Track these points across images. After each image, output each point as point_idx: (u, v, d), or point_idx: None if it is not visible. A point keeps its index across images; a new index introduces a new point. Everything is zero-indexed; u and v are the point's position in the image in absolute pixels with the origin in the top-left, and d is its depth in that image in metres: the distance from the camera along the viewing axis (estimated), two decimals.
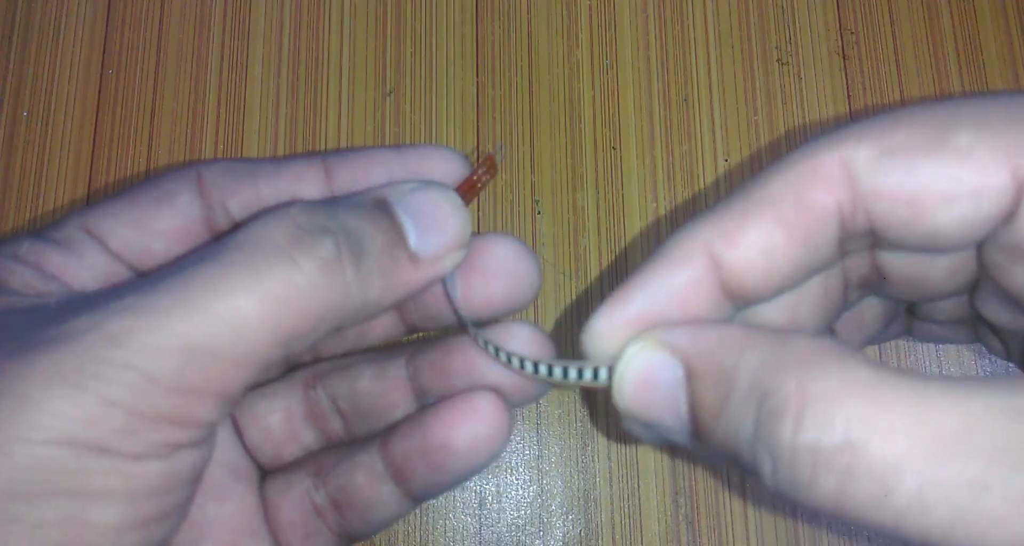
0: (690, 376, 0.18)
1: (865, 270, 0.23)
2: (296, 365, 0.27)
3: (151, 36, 0.44)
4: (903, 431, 0.15)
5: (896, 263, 0.22)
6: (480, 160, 0.23)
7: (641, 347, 0.20)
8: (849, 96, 0.43)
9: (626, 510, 0.38)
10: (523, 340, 0.24)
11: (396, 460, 0.23)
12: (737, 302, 0.21)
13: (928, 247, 0.20)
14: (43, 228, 0.23)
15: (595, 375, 0.21)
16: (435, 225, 0.21)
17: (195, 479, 0.20)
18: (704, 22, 0.44)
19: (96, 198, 0.43)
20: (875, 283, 0.23)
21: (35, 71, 0.44)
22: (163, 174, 0.24)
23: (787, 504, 0.21)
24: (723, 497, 0.38)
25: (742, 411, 0.17)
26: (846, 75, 0.43)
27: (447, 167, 0.23)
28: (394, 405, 0.25)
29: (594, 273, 0.41)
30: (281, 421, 0.25)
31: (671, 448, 0.39)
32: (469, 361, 0.23)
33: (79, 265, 0.22)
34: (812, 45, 0.44)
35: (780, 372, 0.17)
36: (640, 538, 0.38)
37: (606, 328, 0.21)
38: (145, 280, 0.19)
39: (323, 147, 0.43)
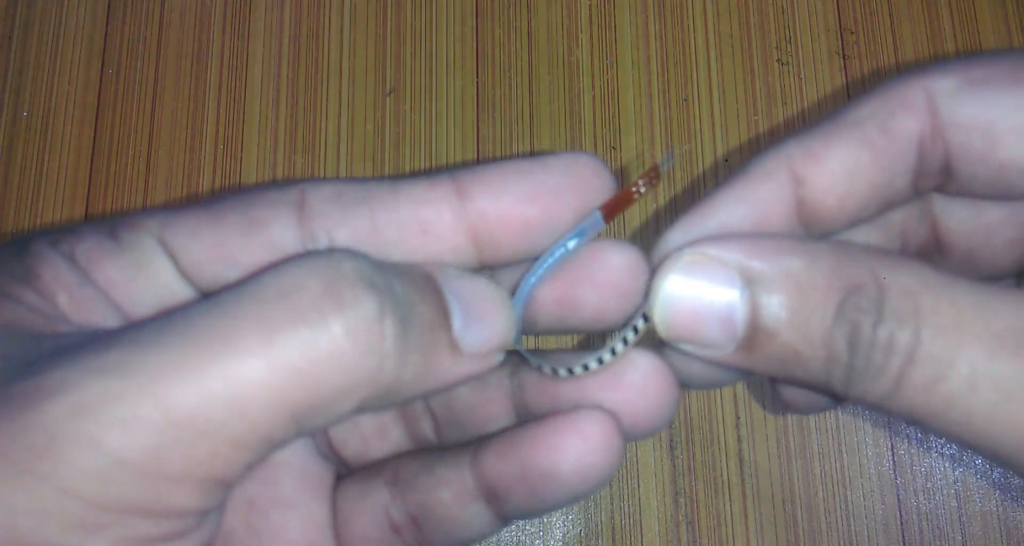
0: (751, 282, 0.19)
1: (923, 237, 0.23)
2: None
3: (151, 36, 0.44)
4: (961, 326, 0.17)
5: (957, 226, 0.22)
6: (646, 171, 0.21)
7: (688, 259, 0.19)
8: (849, 96, 0.43)
9: (626, 510, 0.38)
10: (642, 370, 0.21)
11: (490, 479, 0.20)
12: (812, 227, 0.21)
13: (998, 187, 0.20)
14: (115, 221, 0.20)
15: (640, 325, 0.20)
16: (481, 317, 0.19)
17: None
18: (704, 22, 0.44)
19: (95, 198, 0.43)
20: (932, 256, 0.23)
21: (35, 71, 0.44)
22: (260, 191, 0.20)
23: (850, 405, 0.20)
24: (723, 497, 0.38)
25: (816, 309, 0.18)
26: (846, 75, 0.43)
27: (594, 178, 0.20)
28: (491, 417, 0.22)
29: None
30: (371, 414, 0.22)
31: (671, 449, 0.39)
32: (580, 384, 0.21)
33: (138, 279, 0.19)
34: (812, 45, 0.44)
35: (860, 271, 0.18)
36: (640, 538, 0.38)
37: (682, 242, 0.20)
38: (142, 327, 0.16)
39: (323, 147, 0.43)
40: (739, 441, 0.39)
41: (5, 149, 0.43)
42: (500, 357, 0.19)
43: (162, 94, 0.44)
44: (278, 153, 0.43)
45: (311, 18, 0.45)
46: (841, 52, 0.44)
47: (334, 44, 0.44)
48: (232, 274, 0.19)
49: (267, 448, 0.16)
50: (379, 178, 0.20)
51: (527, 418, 0.22)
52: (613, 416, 0.20)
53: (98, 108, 0.44)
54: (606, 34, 0.44)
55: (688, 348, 0.20)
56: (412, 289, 0.17)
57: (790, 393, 0.23)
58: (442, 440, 0.23)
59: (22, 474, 0.14)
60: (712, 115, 0.43)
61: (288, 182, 0.20)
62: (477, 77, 0.43)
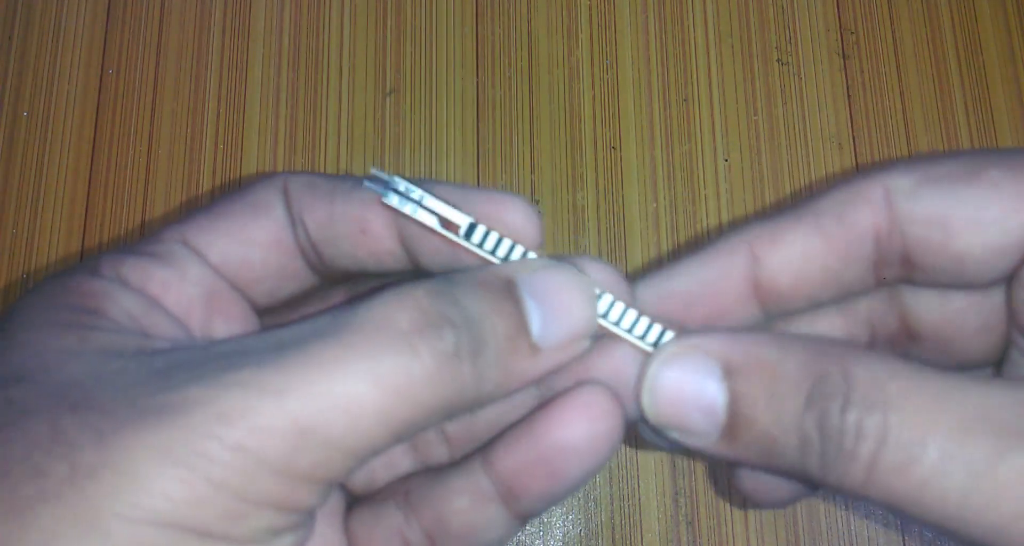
0: (730, 373, 0.20)
1: (894, 327, 0.24)
2: None
3: (151, 36, 0.45)
4: (930, 412, 0.18)
5: (927, 315, 0.23)
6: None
7: (674, 351, 0.21)
8: (849, 96, 0.43)
9: (626, 510, 0.38)
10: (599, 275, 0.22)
11: (506, 476, 0.21)
12: (767, 306, 0.22)
13: (958, 277, 0.21)
14: (139, 243, 0.22)
15: (645, 336, 0.21)
16: (562, 313, 0.20)
17: None
18: (704, 22, 0.44)
19: (95, 198, 0.43)
20: (905, 347, 0.24)
21: (35, 71, 0.44)
22: (251, 184, 0.23)
23: (816, 491, 0.21)
24: (723, 497, 0.38)
25: (788, 398, 0.19)
26: (846, 75, 0.43)
27: (522, 220, 0.21)
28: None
29: None
30: None
31: (672, 451, 0.39)
32: (590, 365, 0.22)
33: (182, 282, 0.21)
34: (812, 45, 0.44)
35: (828, 361, 0.19)
36: (640, 538, 0.38)
37: (646, 297, 0.22)
38: (260, 350, 0.18)
39: (323, 147, 0.43)
40: None
41: (5, 149, 0.43)
42: (586, 344, 0.21)
43: (162, 94, 0.44)
44: (278, 153, 0.43)
45: (311, 18, 0.45)
46: (841, 52, 0.44)
47: (334, 44, 0.44)
48: (255, 254, 0.22)
49: (371, 456, 0.18)
50: (349, 176, 0.22)
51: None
52: (608, 387, 0.21)
53: (98, 108, 0.44)
54: (606, 34, 0.44)
55: (675, 435, 0.21)
56: (487, 304, 0.19)
57: (751, 483, 0.23)
58: (455, 462, 0.23)
59: (185, 471, 0.16)
60: (712, 115, 0.43)
61: (272, 173, 0.23)
62: (477, 77, 0.43)
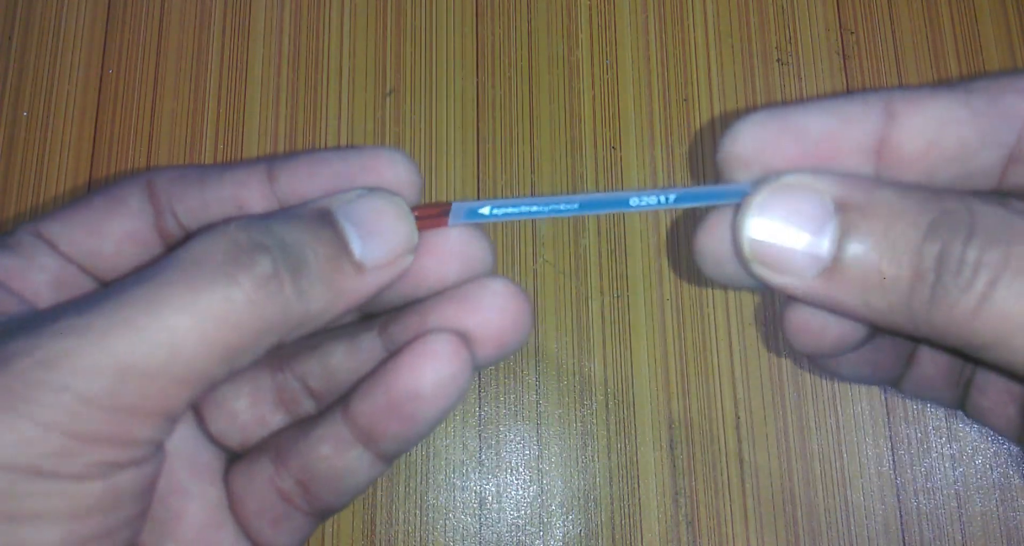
0: (843, 208, 0.20)
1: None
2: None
3: (151, 36, 0.45)
4: None
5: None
6: (436, 204, 0.23)
7: (785, 182, 0.20)
8: None
9: (626, 510, 0.38)
10: (496, 293, 0.23)
11: (362, 422, 0.23)
12: (883, 169, 0.21)
13: None
14: None
15: (728, 194, 0.21)
16: (381, 232, 0.21)
17: (143, 494, 0.20)
18: (704, 22, 0.44)
19: None
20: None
21: (35, 71, 0.44)
22: (115, 182, 0.24)
23: (920, 331, 0.21)
24: (723, 497, 0.38)
25: (906, 231, 0.19)
26: (846, 75, 0.43)
27: (395, 171, 0.23)
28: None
29: (594, 273, 0.41)
30: (248, 406, 0.25)
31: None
32: (446, 319, 0.23)
33: (29, 268, 0.23)
34: (812, 45, 0.44)
35: (950, 199, 0.19)
36: (640, 538, 0.38)
37: (752, 133, 0.22)
38: (83, 301, 0.19)
39: (323, 147, 0.43)
40: (739, 441, 0.39)
41: (5, 149, 0.43)
42: (409, 258, 0.22)
43: (162, 94, 0.44)
44: (278, 153, 0.43)
45: (311, 18, 0.45)
46: (841, 52, 0.44)
47: (334, 44, 0.44)
48: (107, 246, 0.23)
49: (207, 384, 0.19)
50: (218, 164, 0.24)
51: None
52: (459, 333, 0.22)
53: (98, 108, 0.44)
54: (606, 34, 0.44)
55: (765, 272, 0.20)
56: (304, 232, 0.20)
57: (800, 323, 0.23)
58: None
59: (9, 415, 0.17)
60: (712, 115, 0.43)
61: (138, 172, 0.25)
62: (477, 77, 0.43)
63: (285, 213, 0.21)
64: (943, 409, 0.39)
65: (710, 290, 0.41)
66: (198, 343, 0.18)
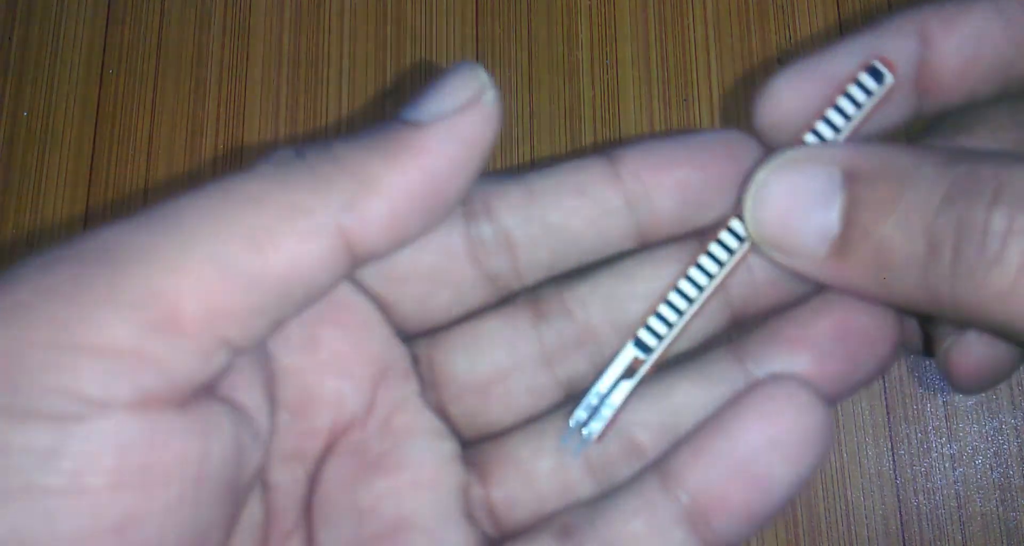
0: (852, 178, 0.18)
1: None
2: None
3: (151, 36, 0.45)
4: None
5: None
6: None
7: (789, 157, 0.18)
8: None
9: None
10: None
11: (695, 494, 0.18)
12: (926, 97, 0.19)
13: None
14: None
15: (734, 233, 0.19)
16: (437, 95, 0.19)
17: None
18: (704, 22, 0.44)
19: (95, 198, 0.43)
20: None
21: (35, 71, 0.44)
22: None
23: (932, 310, 0.18)
24: None
25: (920, 198, 0.16)
26: None
27: (740, 151, 0.20)
28: None
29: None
30: (550, 469, 0.20)
31: None
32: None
33: None
34: (812, 45, 0.44)
35: (972, 160, 0.16)
36: None
37: (791, 86, 0.19)
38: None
39: None
40: None
41: (5, 149, 0.43)
42: (484, 109, 0.20)
43: (162, 94, 0.44)
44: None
45: (311, 18, 0.45)
46: None
47: (334, 45, 0.44)
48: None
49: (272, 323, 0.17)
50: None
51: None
52: (802, 379, 0.19)
53: (98, 108, 0.44)
54: (606, 34, 0.44)
55: (777, 256, 0.19)
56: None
57: (960, 357, 0.19)
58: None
59: (127, 310, 0.15)
60: (712, 115, 0.43)
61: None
62: None
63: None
64: (943, 409, 0.39)
65: None
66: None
